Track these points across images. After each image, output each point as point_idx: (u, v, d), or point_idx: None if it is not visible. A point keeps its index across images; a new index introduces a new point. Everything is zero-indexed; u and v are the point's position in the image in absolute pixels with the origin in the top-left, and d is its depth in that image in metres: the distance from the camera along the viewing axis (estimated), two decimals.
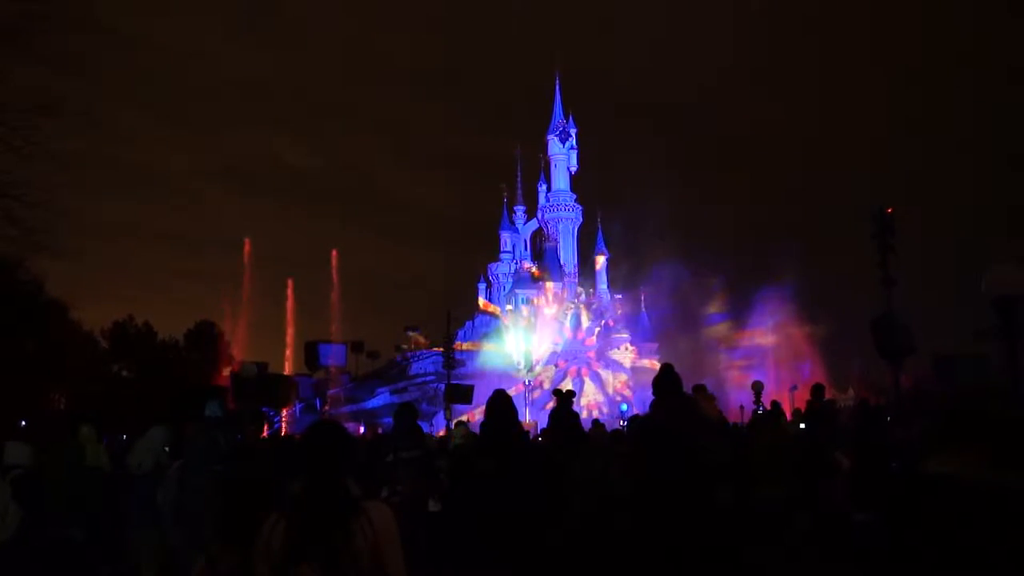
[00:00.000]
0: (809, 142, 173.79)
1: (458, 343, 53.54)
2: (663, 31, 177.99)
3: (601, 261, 75.20)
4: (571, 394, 9.91)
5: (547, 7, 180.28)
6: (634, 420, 10.84)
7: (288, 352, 63.43)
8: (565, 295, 71.86)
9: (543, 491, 4.23)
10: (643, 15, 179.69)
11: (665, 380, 6.83)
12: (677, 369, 6.18)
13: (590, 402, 59.56)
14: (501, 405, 4.57)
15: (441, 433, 24.94)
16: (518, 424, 5.16)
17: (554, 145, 74.72)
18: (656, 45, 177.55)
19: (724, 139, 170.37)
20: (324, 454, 3.06)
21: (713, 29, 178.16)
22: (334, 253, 62.36)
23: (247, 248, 62.45)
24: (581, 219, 75.52)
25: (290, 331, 64.40)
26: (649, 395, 5.46)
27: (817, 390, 10.98)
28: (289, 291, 63.13)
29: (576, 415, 9.65)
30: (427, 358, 69.02)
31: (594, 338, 69.25)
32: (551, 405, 10.80)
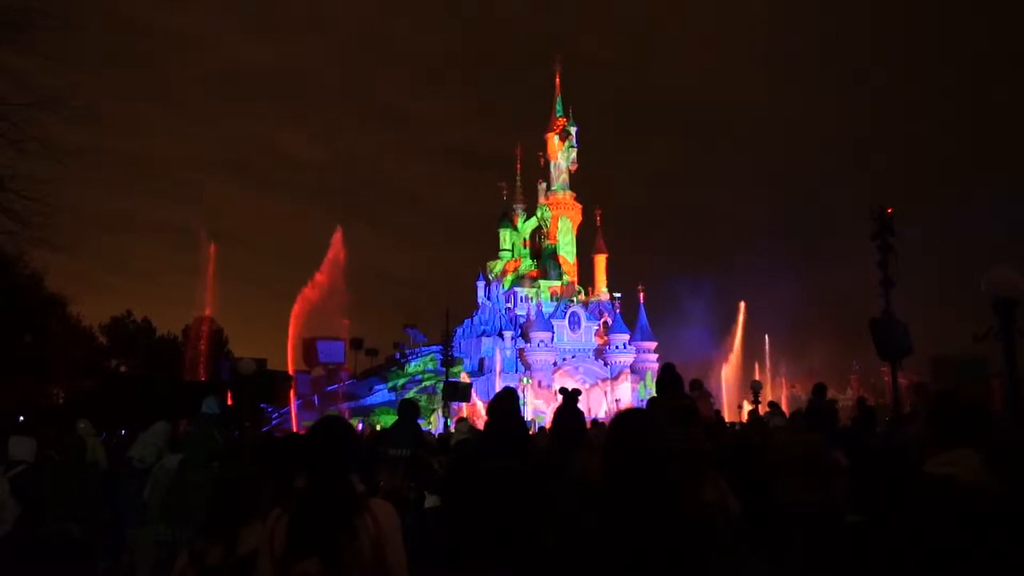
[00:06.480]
0: (811, 139, 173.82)
1: None
2: (665, 28, 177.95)
3: (600, 260, 75.11)
4: (577, 392, 9.87)
5: (548, 4, 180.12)
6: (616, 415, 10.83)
7: (289, 347, 62.77)
8: (564, 294, 71.80)
9: (546, 490, 4.23)
10: (645, 12, 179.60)
11: (662, 378, 6.85)
12: (678, 368, 6.19)
13: (589, 402, 59.52)
14: (508, 403, 4.54)
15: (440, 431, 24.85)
16: (523, 423, 5.15)
17: (554, 143, 74.60)
18: (658, 41, 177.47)
19: (724, 136, 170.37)
20: (328, 450, 3.04)
21: (712, 26, 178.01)
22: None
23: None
24: (580, 218, 75.42)
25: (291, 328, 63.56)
26: (647, 394, 5.48)
27: (819, 389, 10.80)
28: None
29: (580, 413, 9.62)
30: (426, 355, 68.95)
31: (593, 337, 69.21)
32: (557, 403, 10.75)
